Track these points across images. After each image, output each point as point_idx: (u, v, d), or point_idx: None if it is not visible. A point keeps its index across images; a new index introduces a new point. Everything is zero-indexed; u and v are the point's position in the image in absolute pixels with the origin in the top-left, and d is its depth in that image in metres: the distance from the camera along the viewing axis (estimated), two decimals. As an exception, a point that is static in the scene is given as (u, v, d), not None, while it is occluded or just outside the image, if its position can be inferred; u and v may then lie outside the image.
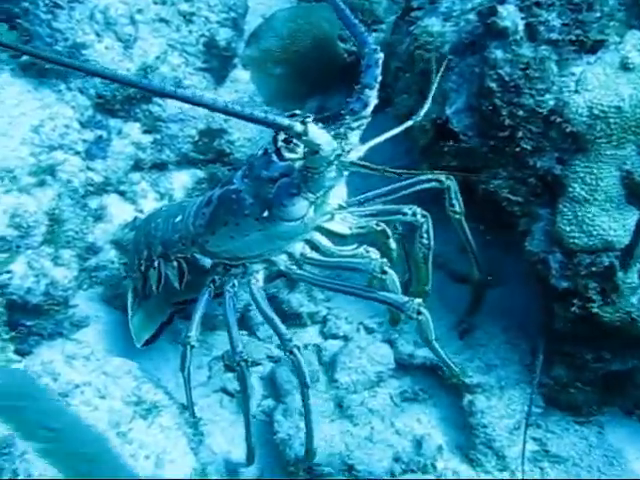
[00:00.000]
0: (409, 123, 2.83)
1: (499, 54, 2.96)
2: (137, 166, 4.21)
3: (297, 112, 2.61)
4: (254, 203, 2.74)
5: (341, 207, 2.83)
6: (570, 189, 2.98)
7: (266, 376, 3.57)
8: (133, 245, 3.52)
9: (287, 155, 2.60)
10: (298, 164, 2.66)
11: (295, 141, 2.55)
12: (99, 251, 3.75)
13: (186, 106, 4.25)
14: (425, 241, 2.99)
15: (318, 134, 2.37)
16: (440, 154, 3.20)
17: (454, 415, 3.33)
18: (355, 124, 2.65)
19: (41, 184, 3.51)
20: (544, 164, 3.00)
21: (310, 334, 3.73)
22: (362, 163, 2.62)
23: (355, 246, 2.80)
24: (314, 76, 4.58)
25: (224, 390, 3.49)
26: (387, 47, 3.88)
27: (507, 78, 2.89)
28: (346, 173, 2.73)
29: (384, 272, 2.63)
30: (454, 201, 2.98)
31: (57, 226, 3.46)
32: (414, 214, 2.91)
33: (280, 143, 2.60)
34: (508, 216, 3.25)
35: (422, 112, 2.82)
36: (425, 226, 2.96)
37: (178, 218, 3.18)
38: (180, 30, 4.27)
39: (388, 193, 2.97)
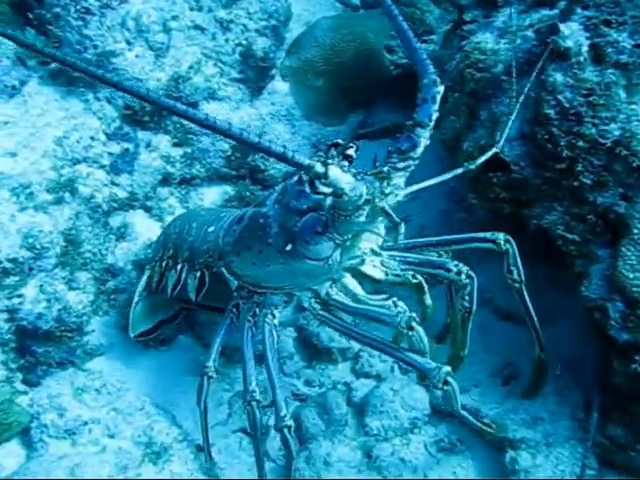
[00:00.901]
0: (458, 171, 2.60)
1: (559, 78, 2.74)
2: (165, 181, 4.09)
3: (340, 142, 2.52)
4: (279, 233, 2.61)
5: (374, 252, 2.59)
6: (635, 230, 2.70)
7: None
8: (163, 237, 3.42)
9: (320, 188, 2.35)
10: (328, 201, 2.47)
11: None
12: (119, 273, 3.60)
13: (219, 118, 4.09)
14: (467, 304, 2.78)
15: (341, 178, 2.22)
16: (489, 185, 3.00)
17: (494, 471, 3.10)
18: (401, 164, 2.48)
19: (59, 202, 3.36)
20: (606, 200, 2.78)
21: (340, 371, 3.52)
22: (391, 213, 2.41)
23: (385, 296, 2.58)
24: (357, 89, 4.47)
25: (245, 431, 3.27)
26: (436, 62, 3.64)
27: (567, 105, 2.69)
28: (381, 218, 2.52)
29: (411, 328, 2.41)
30: (512, 267, 2.73)
31: (73, 247, 3.32)
32: (459, 272, 2.69)
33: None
34: (562, 255, 2.97)
35: (480, 160, 2.56)
36: (469, 288, 2.74)
37: (211, 228, 3.06)
38: (216, 38, 4.14)
39: (438, 244, 2.80)
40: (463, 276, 2.68)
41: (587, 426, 3.06)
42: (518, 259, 2.74)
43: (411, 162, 2.47)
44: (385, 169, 2.43)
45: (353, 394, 3.34)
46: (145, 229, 3.90)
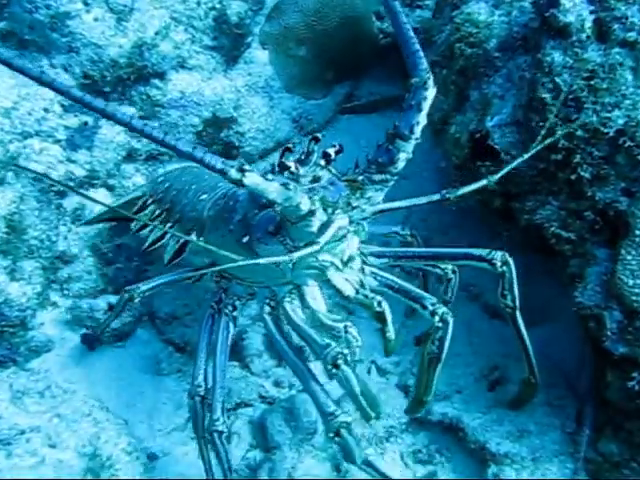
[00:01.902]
0: (434, 197, 2.30)
1: (557, 57, 2.51)
2: (130, 157, 3.82)
3: (319, 136, 2.41)
4: (240, 221, 2.49)
5: (337, 268, 2.34)
6: (637, 232, 2.46)
7: (256, 420, 3.15)
8: (167, 184, 3.26)
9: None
10: None
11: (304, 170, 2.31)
12: (73, 260, 3.34)
13: (189, 90, 3.86)
14: (435, 349, 2.52)
15: (265, 187, 2.05)
16: (477, 175, 2.73)
17: (475, 485, 2.87)
18: (377, 177, 2.27)
19: (0, 182, 3.07)
20: (606, 196, 2.58)
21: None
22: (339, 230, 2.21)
23: (339, 317, 2.32)
24: (343, 59, 4.23)
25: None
26: (424, 33, 3.38)
27: (565, 88, 2.48)
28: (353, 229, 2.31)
29: (336, 366, 2.16)
30: (506, 292, 2.58)
31: (16, 234, 3.06)
32: (433, 313, 2.44)
33: (287, 164, 2.30)
34: (556, 253, 2.74)
35: (462, 191, 2.26)
36: (441, 333, 2.48)
37: (204, 196, 2.87)
38: (186, 1, 3.83)
39: (430, 256, 2.65)
40: (437, 318, 2.44)
41: (578, 440, 2.88)
42: (514, 284, 2.56)
43: (389, 177, 2.27)
44: (360, 178, 2.27)
45: (324, 398, 3.09)
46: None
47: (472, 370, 3.21)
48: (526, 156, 2.25)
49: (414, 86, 2.20)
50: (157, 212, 3.22)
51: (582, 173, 2.54)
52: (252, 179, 2.01)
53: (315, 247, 2.10)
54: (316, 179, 2.28)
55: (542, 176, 2.66)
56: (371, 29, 4.26)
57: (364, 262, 2.45)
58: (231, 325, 2.68)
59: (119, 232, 3.56)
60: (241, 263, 2.08)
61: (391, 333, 2.32)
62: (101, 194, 3.70)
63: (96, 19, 3.58)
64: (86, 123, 3.62)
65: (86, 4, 3.56)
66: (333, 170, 2.34)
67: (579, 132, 2.48)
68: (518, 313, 2.63)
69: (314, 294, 2.42)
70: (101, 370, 3.16)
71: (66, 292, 3.37)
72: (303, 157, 2.39)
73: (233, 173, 1.97)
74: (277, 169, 2.30)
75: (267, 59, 4.12)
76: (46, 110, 3.51)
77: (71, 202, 3.53)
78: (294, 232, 2.25)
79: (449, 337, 2.46)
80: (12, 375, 3.00)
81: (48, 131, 3.50)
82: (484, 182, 2.23)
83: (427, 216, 3.87)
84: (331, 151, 2.34)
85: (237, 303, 2.73)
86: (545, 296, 3.18)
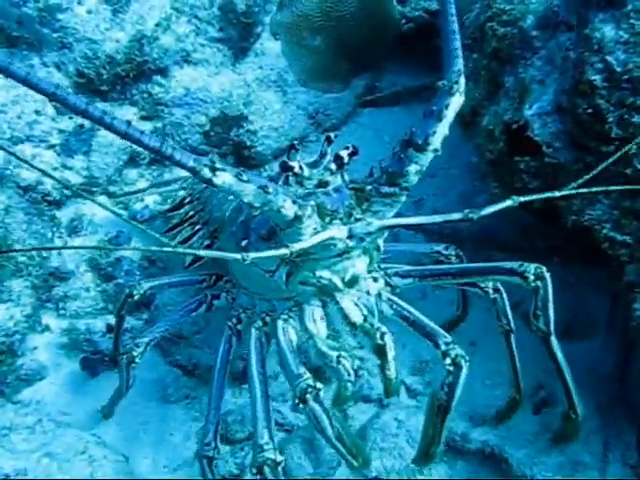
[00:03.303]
0: (455, 216, 2.00)
1: (608, 32, 2.24)
2: (133, 161, 3.70)
3: (296, 143, 2.28)
4: (243, 223, 2.42)
5: (335, 287, 2.16)
6: None
7: None
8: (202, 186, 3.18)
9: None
10: None
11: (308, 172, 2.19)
12: (69, 276, 3.19)
13: (194, 86, 3.71)
14: (444, 396, 2.29)
15: (237, 188, 1.88)
16: (514, 172, 2.59)
17: (521, 528, 2.72)
18: (386, 190, 2.05)
19: None
20: None
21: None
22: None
23: (336, 345, 2.15)
24: (362, 48, 4.08)
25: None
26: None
27: (619, 68, 2.24)
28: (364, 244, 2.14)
29: (303, 401, 2.02)
30: (539, 312, 2.39)
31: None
32: (445, 354, 2.23)
33: (290, 164, 2.18)
34: (609, 259, 2.49)
35: (486, 210, 1.97)
36: (451, 378, 2.26)
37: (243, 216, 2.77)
38: (189, -11, 3.76)
39: (456, 273, 2.49)
40: (448, 360, 2.23)
41: (640, 473, 2.66)
42: (550, 303, 2.35)
43: (398, 191, 2.03)
44: (368, 188, 2.07)
45: (348, 424, 2.93)
46: (107, 220, 3.49)
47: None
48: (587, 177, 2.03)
49: (440, 89, 1.99)
50: (191, 213, 3.18)
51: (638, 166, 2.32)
52: (224, 178, 1.85)
53: (283, 251, 1.94)
54: (322, 184, 2.15)
55: (590, 171, 2.37)
56: (392, 14, 4.09)
57: (387, 283, 2.34)
58: (233, 339, 2.55)
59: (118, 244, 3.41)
60: (207, 253, 2.05)
61: (391, 372, 2.15)
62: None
63: (90, 11, 3.49)
64: (82, 126, 3.53)
65: (79, -6, 3.42)
66: (345, 176, 2.20)
67: (635, 118, 2.25)
68: (553, 339, 2.44)
69: (315, 315, 2.26)
70: (100, 399, 2.95)
71: (62, 312, 3.20)
72: (318, 158, 2.25)
73: (204, 172, 1.81)
74: (279, 170, 2.18)
75: (279, 50, 3.98)
76: (37, 112, 3.43)
77: (67, 213, 3.41)
78: (285, 239, 2.07)
79: (461, 384, 2.25)
80: (-1, 409, 2.82)
81: (40, 135, 3.39)
82: (509, 202, 1.97)
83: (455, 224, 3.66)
84: (344, 154, 2.19)
85: (242, 316, 2.61)
86: (590, 308, 3.07)
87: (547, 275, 2.31)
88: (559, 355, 2.46)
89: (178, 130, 3.70)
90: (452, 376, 2.24)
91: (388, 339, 2.14)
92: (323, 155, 2.24)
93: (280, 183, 2.17)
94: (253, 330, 2.38)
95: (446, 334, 2.28)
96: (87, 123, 3.47)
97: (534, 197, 1.97)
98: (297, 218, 2.00)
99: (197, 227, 3.05)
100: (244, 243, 2.31)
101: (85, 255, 3.30)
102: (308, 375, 2.05)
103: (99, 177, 3.54)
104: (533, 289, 2.33)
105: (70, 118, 3.47)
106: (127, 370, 2.63)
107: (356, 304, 2.19)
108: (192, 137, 3.72)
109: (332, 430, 2.02)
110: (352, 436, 2.12)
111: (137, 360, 2.58)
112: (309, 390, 2.01)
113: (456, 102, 1.97)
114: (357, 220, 2.05)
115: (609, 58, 2.24)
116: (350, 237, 2.05)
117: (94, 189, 3.52)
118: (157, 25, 3.56)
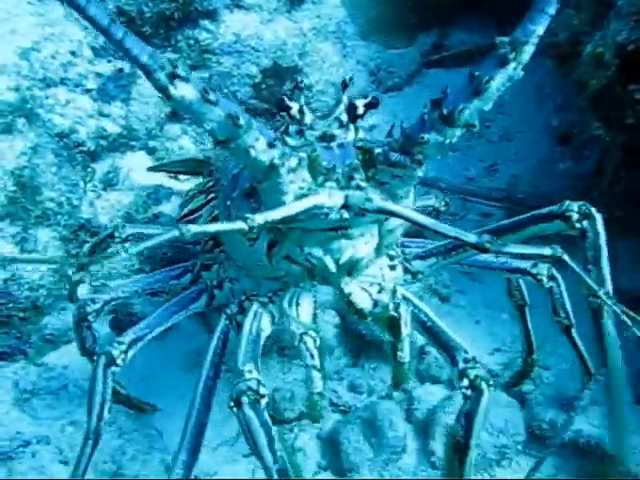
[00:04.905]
0: (490, 247, 1.58)
1: None
2: (175, 115, 3.49)
3: (299, 81, 1.93)
4: (234, 176, 2.00)
5: (325, 268, 1.80)
6: None
7: (326, 435, 2.67)
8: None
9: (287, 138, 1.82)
10: None
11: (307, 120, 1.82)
12: (101, 231, 2.84)
13: (245, 33, 3.58)
14: (460, 429, 1.81)
15: (199, 108, 1.50)
16: (624, 104, 2.24)
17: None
18: (395, 157, 1.64)
19: (8, 129, 2.68)
20: None
21: (396, 374, 2.80)
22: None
23: (312, 326, 1.83)
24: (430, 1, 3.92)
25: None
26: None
27: None
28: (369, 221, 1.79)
29: (238, 404, 1.71)
30: (559, 309, 2.27)
31: (25, 194, 2.65)
32: (463, 374, 1.81)
33: (287, 104, 1.83)
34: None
35: None
36: (468, 405, 1.79)
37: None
38: None
39: (509, 228, 2.07)
40: (465, 382, 1.80)
41: None
42: (566, 300, 2.23)
43: (409, 162, 1.63)
44: (376, 150, 1.67)
45: (415, 406, 2.72)
46: (145, 177, 3.26)
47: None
48: None
49: (494, 52, 1.53)
50: (211, 183, 2.90)
51: None
52: (184, 92, 1.47)
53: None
54: (327, 137, 1.78)
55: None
56: (465, -39, 3.95)
57: (406, 270, 2.05)
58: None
59: (155, 200, 3.19)
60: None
61: (405, 353, 1.80)
62: (139, 158, 3.36)
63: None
64: (121, 70, 3.33)
65: None
66: (360, 132, 1.84)
67: None
68: (574, 330, 2.33)
69: (301, 299, 1.91)
70: (132, 367, 2.64)
71: (93, 271, 2.90)
72: (332, 108, 1.91)
73: (160, 76, 1.43)
74: (277, 110, 1.85)
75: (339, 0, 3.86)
76: (73, 54, 3.23)
77: (103, 165, 3.18)
78: (264, 195, 1.73)
79: (482, 415, 1.81)
80: (20, 371, 2.59)
81: (76, 79, 3.17)
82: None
83: (537, 183, 3.45)
84: (359, 103, 1.83)
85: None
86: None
87: (596, 213, 1.93)
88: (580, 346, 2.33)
89: (227, 81, 3.51)
90: (470, 403, 1.82)
91: (404, 311, 1.81)
92: (337, 104, 1.88)
93: (278, 133, 1.81)
94: (223, 315, 2.04)
95: (467, 349, 1.88)
96: (127, 67, 3.28)
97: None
98: (273, 168, 1.64)
99: (210, 196, 2.71)
100: (229, 202, 1.97)
101: (121, 210, 3.06)
102: (254, 376, 1.74)
103: (138, 129, 3.35)
104: (580, 232, 1.93)
105: (108, 62, 3.28)
106: (104, 377, 2.11)
107: (364, 289, 1.84)
108: (241, 89, 3.56)
109: (266, 443, 1.69)
110: (292, 459, 1.76)
111: (119, 362, 2.12)
112: (248, 393, 1.71)
113: (504, 76, 1.51)
114: (358, 188, 1.67)
115: None
116: (346, 207, 1.69)
117: (132, 143, 3.30)
118: (211, -33, 3.42)
